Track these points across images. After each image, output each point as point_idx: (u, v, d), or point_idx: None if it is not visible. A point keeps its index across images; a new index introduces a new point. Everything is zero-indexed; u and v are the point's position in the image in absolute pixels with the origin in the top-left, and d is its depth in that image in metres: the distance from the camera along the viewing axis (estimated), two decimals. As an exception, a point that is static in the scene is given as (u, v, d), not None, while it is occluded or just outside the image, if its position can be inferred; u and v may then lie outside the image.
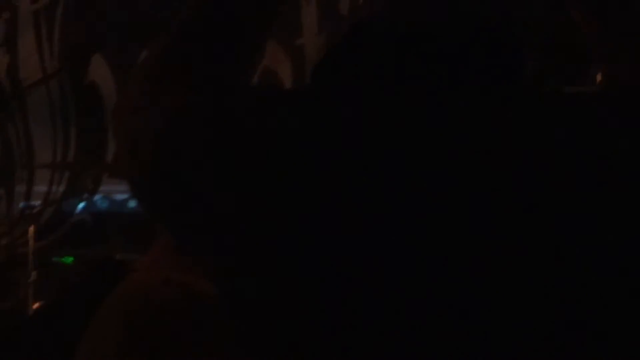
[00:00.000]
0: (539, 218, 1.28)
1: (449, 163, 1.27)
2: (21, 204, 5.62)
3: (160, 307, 1.81)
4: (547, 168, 1.29)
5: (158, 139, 1.34)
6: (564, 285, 1.30)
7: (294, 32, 5.60)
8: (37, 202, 5.55)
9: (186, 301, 1.81)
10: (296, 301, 1.31)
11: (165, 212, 1.41)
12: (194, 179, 1.32)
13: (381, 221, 1.28)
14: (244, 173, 1.29)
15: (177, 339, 1.82)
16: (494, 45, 1.35)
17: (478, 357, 1.28)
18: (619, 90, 1.41)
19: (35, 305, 4.92)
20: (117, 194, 5.34)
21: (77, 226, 5.43)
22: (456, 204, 1.29)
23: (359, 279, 1.28)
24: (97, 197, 5.44)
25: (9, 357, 2.46)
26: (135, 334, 1.82)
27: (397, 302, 1.28)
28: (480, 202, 1.29)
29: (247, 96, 1.38)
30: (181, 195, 1.35)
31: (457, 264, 1.29)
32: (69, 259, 5.19)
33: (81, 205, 5.51)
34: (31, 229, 5.27)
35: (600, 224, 1.28)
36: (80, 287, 2.31)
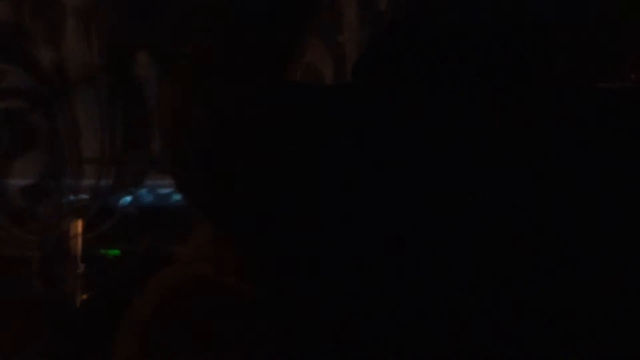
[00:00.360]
0: (568, 217, 1.33)
1: (483, 160, 1.32)
2: (69, 198, 5.57)
3: (181, 305, 1.85)
4: (577, 163, 1.34)
5: (201, 135, 1.41)
6: (568, 285, 1.34)
7: (334, 28, 5.61)
8: (84, 196, 5.56)
9: (209, 299, 1.88)
10: (322, 296, 1.36)
11: (208, 206, 1.50)
12: (235, 173, 1.38)
13: (411, 216, 1.32)
14: (283, 166, 1.35)
15: (194, 339, 1.89)
16: (526, 44, 1.39)
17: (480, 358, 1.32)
18: None
19: (83, 297, 4.97)
20: (162, 188, 5.42)
21: (123, 219, 5.53)
22: (496, 199, 1.33)
23: (391, 273, 1.33)
24: (142, 191, 5.48)
25: (58, 347, 2.55)
26: (153, 335, 1.91)
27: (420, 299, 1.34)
28: (518, 199, 1.33)
29: (288, 92, 1.43)
30: (224, 189, 1.42)
31: (478, 262, 1.33)
32: (116, 252, 5.20)
33: (127, 199, 5.55)
34: (79, 222, 5.27)
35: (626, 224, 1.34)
36: (125, 280, 2.39)
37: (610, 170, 1.34)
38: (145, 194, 5.54)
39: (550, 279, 1.33)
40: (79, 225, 5.28)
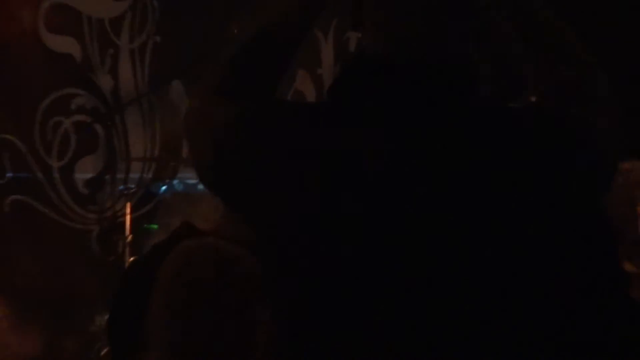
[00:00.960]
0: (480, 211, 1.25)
1: (419, 162, 1.25)
2: (121, 187, 5.51)
3: (196, 270, 1.80)
4: (490, 162, 1.25)
5: (215, 145, 1.36)
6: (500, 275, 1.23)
7: (316, 64, 5.63)
8: (132, 186, 5.53)
9: (218, 264, 1.82)
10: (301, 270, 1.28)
11: (222, 193, 1.43)
12: (240, 169, 1.33)
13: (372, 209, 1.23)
14: (276, 162, 1.29)
15: (205, 298, 1.80)
16: (457, 75, 1.33)
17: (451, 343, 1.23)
18: (544, 107, 1.40)
19: (130, 259, 4.96)
20: (190, 179, 5.30)
21: (160, 202, 5.47)
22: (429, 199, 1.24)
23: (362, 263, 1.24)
24: (175, 181, 5.44)
25: (113, 298, 2.46)
26: (174, 295, 1.81)
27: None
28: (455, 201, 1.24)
29: (280, 107, 1.39)
30: (232, 181, 1.37)
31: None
32: (155, 226, 5.24)
33: (163, 187, 5.46)
34: (128, 204, 5.29)
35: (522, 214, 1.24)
36: (162, 246, 2.32)
37: (516, 169, 1.26)
38: (177, 184, 5.43)
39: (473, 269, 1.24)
40: (127, 207, 5.30)
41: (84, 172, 5.52)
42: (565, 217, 1.26)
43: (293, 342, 1.31)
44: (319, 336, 1.28)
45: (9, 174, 5.26)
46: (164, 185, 5.46)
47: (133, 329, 2.03)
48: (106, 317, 3.21)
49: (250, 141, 1.32)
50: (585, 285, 1.36)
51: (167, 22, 5.50)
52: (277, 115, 1.35)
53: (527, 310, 1.24)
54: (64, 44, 5.40)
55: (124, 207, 5.33)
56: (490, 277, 1.23)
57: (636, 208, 2.26)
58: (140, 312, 2.00)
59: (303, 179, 1.27)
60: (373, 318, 1.24)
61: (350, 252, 1.24)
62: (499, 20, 1.44)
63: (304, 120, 1.33)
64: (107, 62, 5.53)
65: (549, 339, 1.27)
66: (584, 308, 1.37)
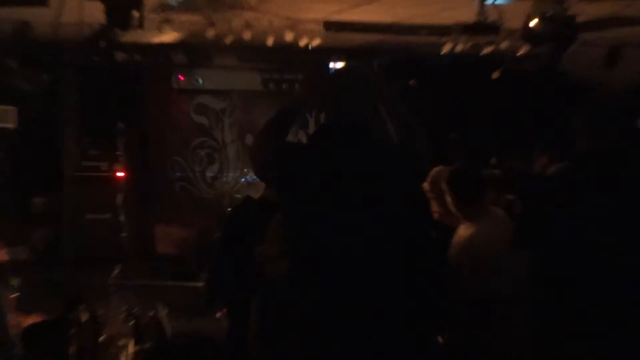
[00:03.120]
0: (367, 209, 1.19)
1: (342, 179, 1.23)
2: (224, 179, 5.57)
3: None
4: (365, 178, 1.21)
5: (262, 162, 1.35)
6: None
7: (305, 127, 5.11)
8: (231, 179, 5.43)
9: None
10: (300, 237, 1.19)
11: (266, 181, 1.49)
12: (273, 172, 1.30)
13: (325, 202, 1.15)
14: (287, 169, 1.25)
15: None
16: (363, 130, 1.29)
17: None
18: (399, 144, 1.35)
19: (229, 210, 4.81)
20: (253, 176, 4.22)
21: (241, 186, 5.41)
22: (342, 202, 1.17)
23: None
24: (248, 176, 5.27)
25: (222, 228, 2.23)
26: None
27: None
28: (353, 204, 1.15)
29: (290, 145, 1.37)
30: (269, 178, 1.37)
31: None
32: (239, 196, 5.09)
33: (243, 179, 5.45)
34: (227, 190, 5.54)
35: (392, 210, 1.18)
36: (238, 205, 2.27)
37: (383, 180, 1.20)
38: (249, 178, 5.39)
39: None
40: (225, 190, 5.51)
41: (210, 172, 5.84)
42: (401, 195, 1.21)
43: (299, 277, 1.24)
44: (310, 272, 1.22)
45: (177, 173, 5.76)
46: (243, 178, 5.64)
47: (233, 243, 1.99)
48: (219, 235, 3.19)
49: (277, 160, 1.28)
50: (412, 230, 1.30)
51: (245, 110, 5.76)
52: (288, 150, 1.33)
53: (386, 253, 1.17)
54: (201, 119, 5.90)
55: (227, 189, 5.65)
56: (364, 232, 1.17)
57: (435, 192, 2.03)
58: (234, 234, 1.94)
59: (299, 178, 1.21)
60: (334, 263, 1.17)
61: (322, 213, 1.17)
62: (382, 107, 1.37)
63: (300, 152, 1.31)
64: (219, 127, 5.90)
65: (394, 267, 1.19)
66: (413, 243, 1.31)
